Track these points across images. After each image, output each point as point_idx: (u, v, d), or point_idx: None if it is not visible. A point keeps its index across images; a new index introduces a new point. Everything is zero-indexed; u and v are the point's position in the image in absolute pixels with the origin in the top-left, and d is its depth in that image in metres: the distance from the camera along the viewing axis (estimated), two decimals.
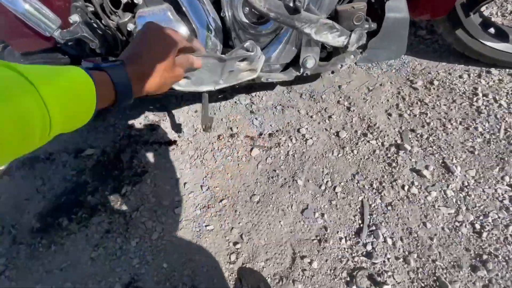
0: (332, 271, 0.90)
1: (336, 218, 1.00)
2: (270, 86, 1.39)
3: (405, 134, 1.15)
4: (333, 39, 0.83)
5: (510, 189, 0.97)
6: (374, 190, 1.03)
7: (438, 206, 0.97)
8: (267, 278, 0.91)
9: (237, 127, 1.28)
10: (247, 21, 0.88)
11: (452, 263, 0.86)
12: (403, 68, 1.37)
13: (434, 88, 1.27)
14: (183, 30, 0.87)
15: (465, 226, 0.91)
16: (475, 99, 1.19)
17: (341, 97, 1.32)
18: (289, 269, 0.92)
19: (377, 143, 1.15)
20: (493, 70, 1.27)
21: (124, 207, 1.11)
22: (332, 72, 1.41)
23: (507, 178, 0.99)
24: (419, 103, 1.23)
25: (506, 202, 0.94)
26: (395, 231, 0.94)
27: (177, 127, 1.33)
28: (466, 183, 1.00)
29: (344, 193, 1.05)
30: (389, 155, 1.11)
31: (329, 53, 1.05)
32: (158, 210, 1.09)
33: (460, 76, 1.29)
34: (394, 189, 1.02)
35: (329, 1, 0.85)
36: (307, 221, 1.00)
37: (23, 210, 1.16)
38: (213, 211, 1.07)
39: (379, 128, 1.19)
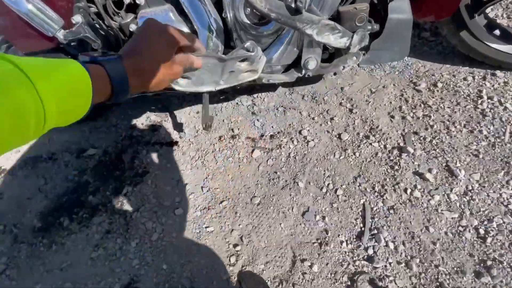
0: (333, 275, 0.89)
1: (337, 221, 0.99)
2: (272, 87, 1.39)
3: (408, 136, 1.13)
4: (335, 40, 0.83)
5: None
6: (376, 193, 1.02)
7: (441, 210, 0.95)
8: (267, 281, 0.90)
9: (239, 128, 1.28)
10: (249, 22, 0.88)
11: (455, 268, 0.85)
12: (406, 70, 1.36)
13: (437, 91, 1.25)
14: (184, 30, 0.87)
15: (469, 231, 0.90)
16: (479, 101, 1.18)
17: (343, 99, 1.31)
18: (289, 272, 0.91)
19: (379, 146, 1.13)
20: (498, 72, 1.26)
21: (125, 208, 1.11)
22: (335, 74, 1.40)
23: None
24: (422, 105, 1.22)
25: (511, 207, 0.93)
26: (397, 235, 0.93)
27: (178, 128, 1.33)
28: (470, 187, 0.98)
29: (345, 196, 1.04)
30: (391, 158, 1.09)
31: (331, 55, 1.04)
32: (159, 211, 1.09)
33: (465, 79, 1.27)
34: (396, 193, 1.01)
35: (331, 2, 0.84)
36: (308, 224, 0.99)
37: (25, 209, 1.17)
38: (213, 212, 1.06)
39: (381, 130, 1.17)
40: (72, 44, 0.93)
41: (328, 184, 1.07)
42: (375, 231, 0.94)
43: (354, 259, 0.91)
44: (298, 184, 1.08)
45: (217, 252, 0.97)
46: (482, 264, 0.84)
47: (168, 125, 1.35)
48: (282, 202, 1.05)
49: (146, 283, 0.94)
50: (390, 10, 0.89)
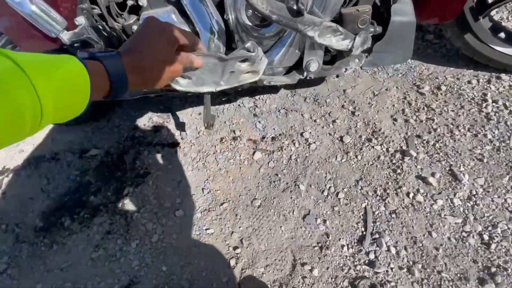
0: (333, 279, 0.88)
1: (339, 225, 0.98)
2: (274, 89, 1.39)
3: (411, 140, 1.12)
4: (337, 42, 0.82)
5: None
6: (378, 197, 1.01)
7: (445, 215, 0.94)
8: (267, 284, 0.89)
9: (240, 130, 1.28)
10: (250, 24, 0.88)
11: (458, 275, 0.83)
12: (409, 73, 1.34)
13: (441, 94, 1.24)
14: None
15: (473, 237, 0.88)
16: (484, 105, 1.16)
17: (345, 102, 1.30)
18: (289, 276, 0.90)
19: (381, 149, 1.12)
20: (503, 75, 1.24)
21: (126, 208, 1.12)
22: (337, 76, 1.39)
23: None
24: (425, 108, 1.21)
25: None
26: (399, 240, 0.91)
27: (180, 129, 1.33)
28: (474, 192, 0.96)
29: (347, 200, 1.03)
30: (394, 161, 1.08)
31: (333, 57, 1.03)
32: (159, 212, 1.09)
33: (469, 82, 1.26)
34: (398, 197, 1.00)
35: (333, 4, 0.84)
36: (309, 227, 0.99)
37: (27, 209, 1.18)
38: (213, 214, 1.06)
39: (384, 133, 1.16)
40: (75, 45, 0.93)
41: (330, 187, 1.06)
42: (377, 236, 0.93)
43: (355, 263, 0.90)
44: (299, 187, 1.08)
45: (217, 255, 0.97)
46: (486, 271, 0.83)
47: (170, 126, 1.35)
48: (283, 204, 1.05)
49: (145, 285, 0.94)
50: (393, 12, 0.88)
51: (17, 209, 1.18)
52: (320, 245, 0.94)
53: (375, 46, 0.94)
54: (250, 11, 0.86)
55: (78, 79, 0.32)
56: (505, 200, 0.93)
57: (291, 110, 1.31)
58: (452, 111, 1.18)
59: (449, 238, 0.89)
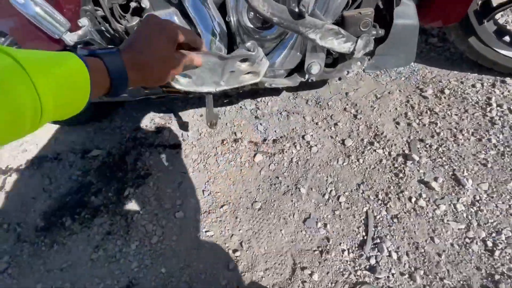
0: (333, 284, 0.87)
1: (339, 229, 0.97)
2: (275, 91, 1.38)
3: (414, 144, 1.11)
4: (339, 45, 0.82)
5: None
6: (380, 201, 1.00)
7: (447, 220, 0.92)
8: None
9: (241, 132, 1.27)
10: (252, 26, 0.88)
11: (461, 282, 0.82)
12: (412, 76, 1.33)
13: (445, 97, 1.23)
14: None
15: (476, 243, 0.87)
16: (488, 109, 1.15)
17: (348, 104, 1.29)
18: (289, 280, 0.89)
19: (384, 153, 1.11)
20: (508, 79, 1.22)
21: (126, 209, 1.12)
22: (340, 79, 1.39)
23: None
24: (428, 112, 1.19)
25: None
26: (400, 245, 0.90)
27: (182, 131, 1.33)
28: (478, 197, 0.95)
29: (348, 203, 1.01)
30: (396, 165, 1.07)
31: (335, 59, 1.03)
32: (159, 214, 1.09)
33: (473, 85, 1.24)
34: (400, 201, 0.98)
35: (335, 7, 0.84)
36: (309, 231, 0.98)
37: (29, 209, 1.18)
38: (213, 216, 1.06)
39: (386, 137, 1.15)
40: (79, 46, 0.94)
41: (331, 191, 1.05)
42: (378, 240, 0.92)
43: (356, 268, 0.88)
44: (300, 190, 1.07)
45: (216, 257, 0.96)
46: (489, 278, 0.81)
47: (172, 127, 1.36)
48: (283, 208, 1.04)
49: (144, 286, 0.93)
50: (396, 15, 0.88)
51: (19, 208, 1.19)
52: (320, 249, 0.93)
53: (378, 49, 0.93)
54: (252, 13, 0.86)
55: (78, 76, 0.32)
56: (510, 206, 0.92)
57: (293, 113, 1.31)
58: (456, 115, 1.16)
59: (452, 244, 0.88)
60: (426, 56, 1.41)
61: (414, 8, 0.90)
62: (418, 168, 1.05)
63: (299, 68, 0.99)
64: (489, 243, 0.86)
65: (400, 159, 1.08)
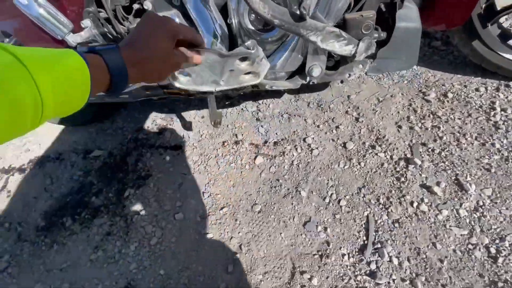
0: None
1: (340, 233, 0.96)
2: (277, 94, 1.38)
3: (416, 147, 1.10)
4: (340, 47, 0.81)
5: None
6: (381, 206, 0.99)
7: (450, 226, 0.91)
8: None
9: (242, 134, 1.27)
10: (253, 28, 0.88)
11: None
12: (415, 79, 1.32)
13: (448, 101, 1.21)
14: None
15: (479, 250, 0.85)
16: (492, 113, 1.13)
17: (349, 107, 1.29)
18: (288, 284, 0.88)
19: (385, 156, 1.10)
20: None
21: (126, 210, 1.12)
22: (341, 82, 1.38)
23: None
24: (431, 116, 1.18)
25: None
26: (401, 251, 0.89)
27: (183, 132, 1.34)
28: (481, 203, 0.93)
29: (349, 207, 1.00)
30: (398, 169, 1.06)
31: (337, 62, 1.02)
32: (159, 215, 1.08)
33: (477, 89, 1.23)
34: (402, 206, 0.97)
35: (337, 9, 0.83)
36: (309, 234, 0.97)
37: (30, 208, 1.19)
38: (213, 218, 1.05)
39: (388, 140, 1.14)
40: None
41: (331, 194, 1.04)
42: (379, 245, 0.90)
43: (356, 273, 0.87)
44: (300, 193, 1.06)
45: (215, 260, 0.96)
46: (492, 286, 0.79)
47: (173, 129, 1.36)
48: (284, 211, 1.03)
49: None
50: (398, 18, 0.87)
51: (20, 207, 1.20)
52: (320, 253, 0.92)
53: (380, 52, 0.92)
54: (253, 15, 0.86)
55: (78, 72, 0.33)
56: None
57: (294, 115, 1.30)
58: (459, 119, 1.15)
59: (454, 250, 0.86)
60: (429, 59, 1.40)
61: (416, 11, 0.90)
62: (420, 172, 1.03)
63: (301, 71, 0.99)
64: (493, 250, 0.84)
65: (402, 163, 1.07)
